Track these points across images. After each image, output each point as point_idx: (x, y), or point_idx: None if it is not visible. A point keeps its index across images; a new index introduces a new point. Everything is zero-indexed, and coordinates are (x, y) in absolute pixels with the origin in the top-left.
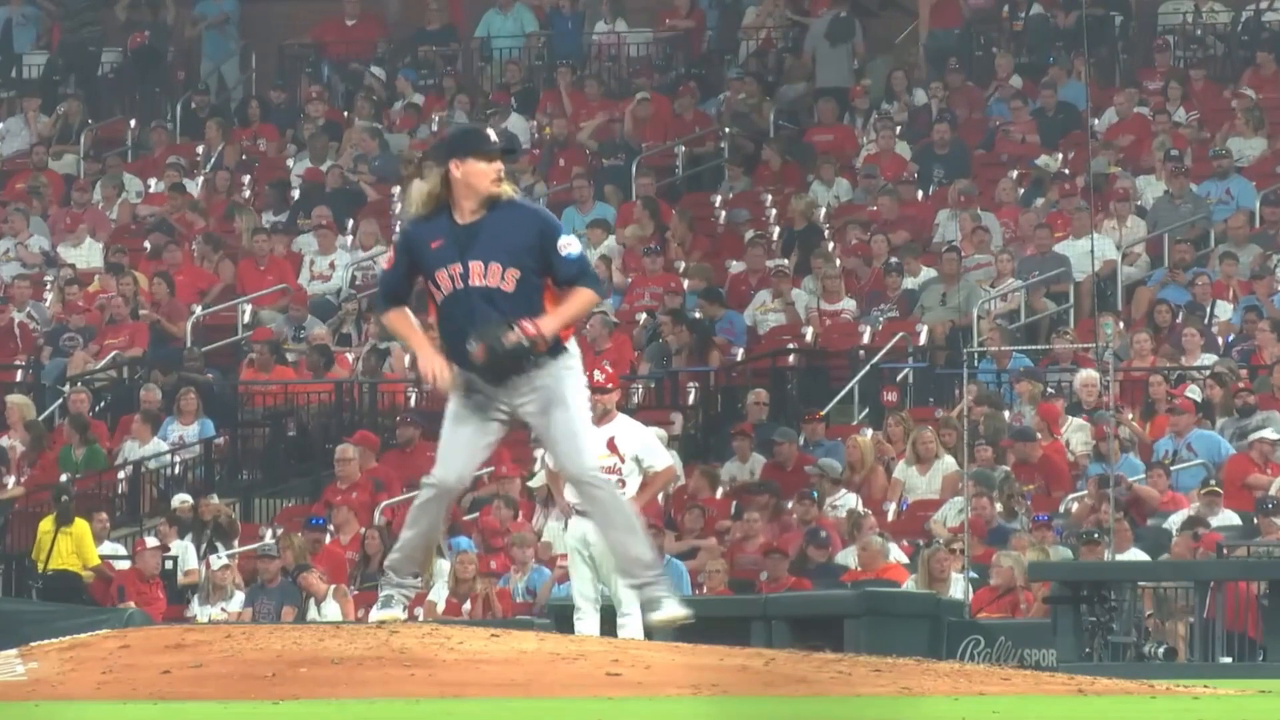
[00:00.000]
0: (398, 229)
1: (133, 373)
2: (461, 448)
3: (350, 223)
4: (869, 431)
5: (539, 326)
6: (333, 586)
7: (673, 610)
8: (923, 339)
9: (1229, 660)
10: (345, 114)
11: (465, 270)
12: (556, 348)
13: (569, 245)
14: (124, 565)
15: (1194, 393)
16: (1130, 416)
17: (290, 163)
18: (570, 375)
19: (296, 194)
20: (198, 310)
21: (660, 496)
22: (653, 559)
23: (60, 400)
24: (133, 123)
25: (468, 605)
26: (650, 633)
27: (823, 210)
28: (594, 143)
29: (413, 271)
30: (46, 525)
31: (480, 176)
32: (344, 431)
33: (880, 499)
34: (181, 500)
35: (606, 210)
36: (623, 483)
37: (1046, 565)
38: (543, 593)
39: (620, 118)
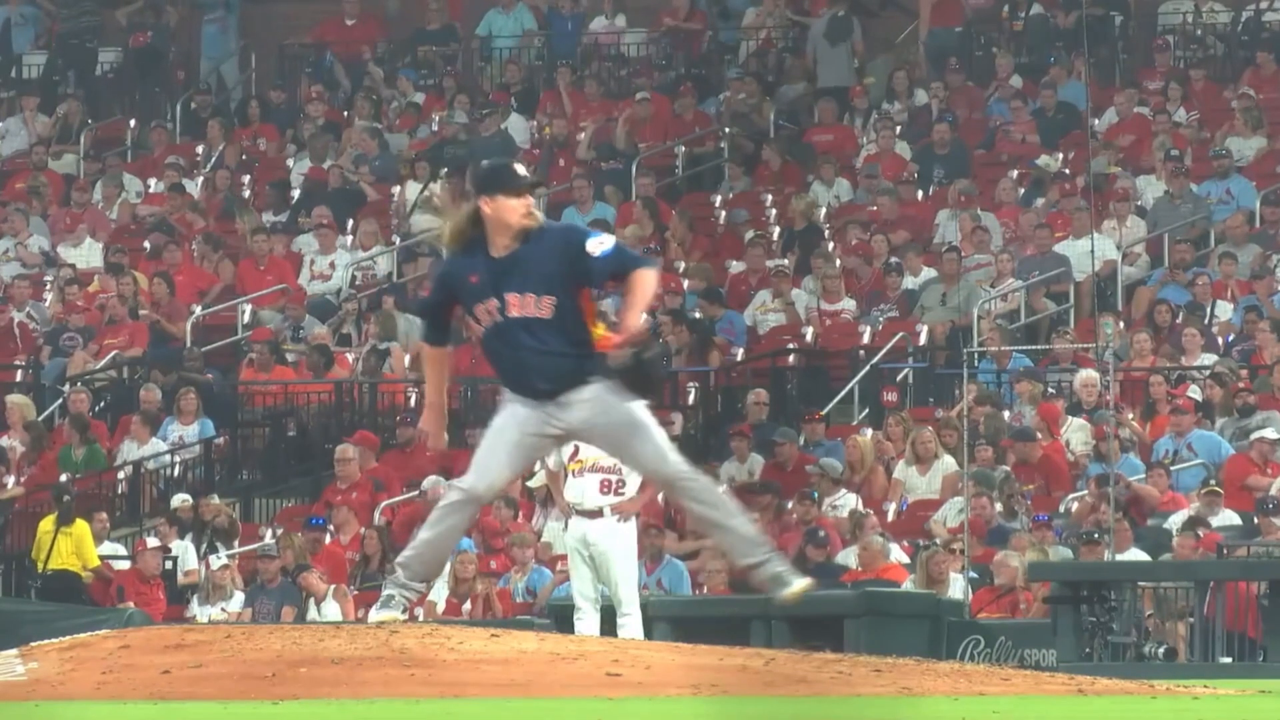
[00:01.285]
0: (396, 227)
1: (133, 373)
2: (500, 459)
3: (350, 223)
4: (869, 431)
5: (624, 329)
6: (333, 586)
7: (800, 582)
8: (923, 339)
9: (1229, 660)
10: (345, 114)
11: (502, 304)
12: (600, 366)
13: (600, 244)
14: (124, 565)
15: (1194, 393)
16: (1130, 416)
17: (290, 163)
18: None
19: (296, 194)
20: (198, 310)
21: (660, 496)
22: (763, 535)
23: (60, 400)
24: (133, 123)
25: (468, 605)
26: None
27: (823, 210)
28: (592, 153)
29: (450, 301)
30: (46, 525)
31: (510, 212)
32: (344, 431)
33: (880, 499)
34: (182, 500)
35: (606, 210)
36: (623, 482)
37: (1046, 565)
38: (544, 594)
39: (617, 117)
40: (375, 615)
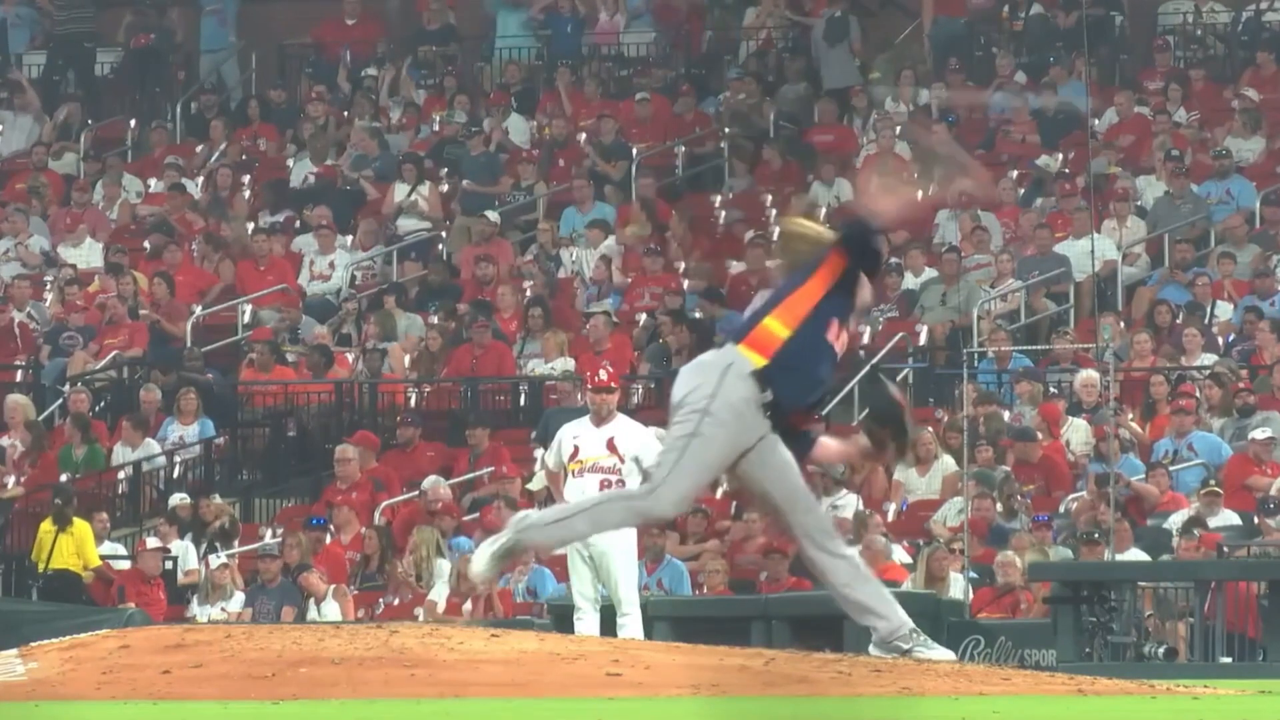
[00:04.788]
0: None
1: (133, 373)
2: (713, 474)
3: (350, 222)
4: None
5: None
6: (333, 586)
7: (946, 653)
8: (923, 339)
9: (1229, 660)
10: (345, 114)
11: (843, 330)
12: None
13: None
14: (124, 565)
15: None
16: (1130, 416)
17: (290, 163)
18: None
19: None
20: (198, 310)
21: None
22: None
23: (60, 400)
24: (133, 123)
25: (468, 605)
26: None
27: (823, 210)
28: (588, 162)
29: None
30: (47, 525)
31: (869, 292)
32: (344, 431)
33: (880, 499)
34: (180, 499)
35: (606, 210)
36: (622, 483)
37: (1046, 565)
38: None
39: (609, 115)
40: (488, 551)
